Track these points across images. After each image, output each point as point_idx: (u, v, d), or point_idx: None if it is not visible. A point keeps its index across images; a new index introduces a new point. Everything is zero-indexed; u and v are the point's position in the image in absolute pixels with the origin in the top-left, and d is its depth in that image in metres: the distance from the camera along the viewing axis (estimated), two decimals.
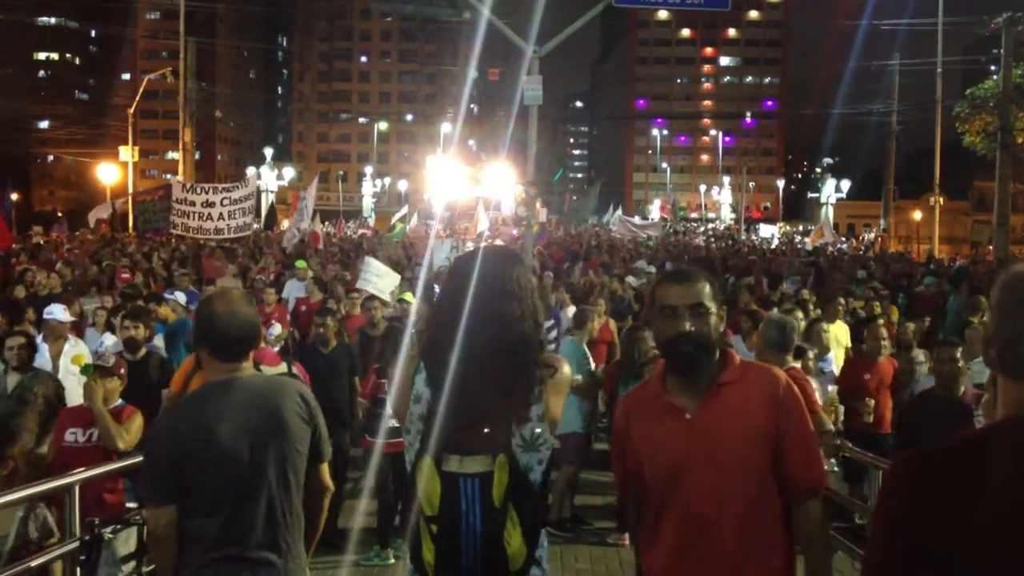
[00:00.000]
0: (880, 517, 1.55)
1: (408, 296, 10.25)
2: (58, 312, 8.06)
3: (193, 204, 18.91)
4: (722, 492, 2.69)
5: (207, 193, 19.23)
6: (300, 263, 15.14)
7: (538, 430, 2.70)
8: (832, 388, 8.22)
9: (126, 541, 4.78)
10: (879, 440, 7.49)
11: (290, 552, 3.19)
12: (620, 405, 3.07)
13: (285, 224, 32.09)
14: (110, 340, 8.78)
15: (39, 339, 7.73)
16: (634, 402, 2.98)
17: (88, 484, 4.81)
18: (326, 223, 37.78)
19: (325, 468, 3.40)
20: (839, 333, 9.87)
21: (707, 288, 2.83)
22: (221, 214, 18.84)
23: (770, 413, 2.73)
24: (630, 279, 15.74)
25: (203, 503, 3.08)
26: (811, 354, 7.60)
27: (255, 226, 21.66)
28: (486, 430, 2.64)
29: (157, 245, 22.28)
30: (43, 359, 7.43)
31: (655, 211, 79.90)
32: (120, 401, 5.71)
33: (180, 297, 10.58)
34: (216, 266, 15.74)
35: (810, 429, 2.82)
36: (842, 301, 10.68)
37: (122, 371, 5.74)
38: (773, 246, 39.98)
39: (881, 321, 9.22)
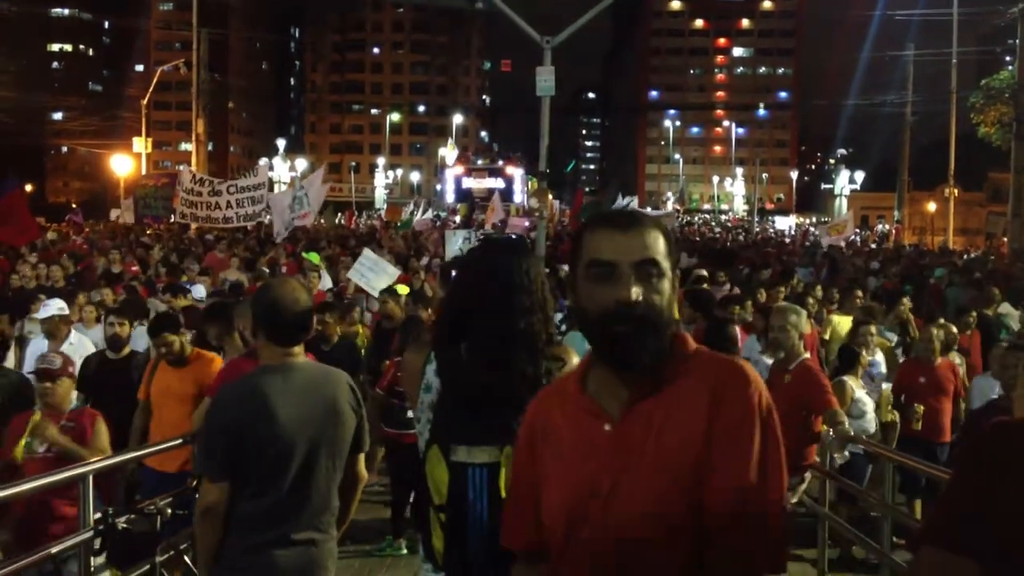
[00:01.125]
0: (966, 472, 1.56)
1: (402, 289, 9.79)
2: (40, 308, 7.68)
3: (200, 194, 18.90)
4: (638, 542, 1.76)
5: (213, 184, 19.21)
6: (312, 256, 15.02)
7: None
8: (886, 386, 7.82)
9: None
10: (935, 448, 7.08)
11: (328, 533, 3.33)
12: (527, 411, 2.08)
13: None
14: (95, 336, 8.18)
15: (40, 336, 7.52)
16: (544, 406, 2.03)
17: (39, 497, 4.55)
18: (339, 214, 37.74)
19: (362, 458, 3.51)
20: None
21: (660, 240, 1.87)
22: (229, 202, 18.77)
23: (710, 419, 1.78)
24: None
25: (255, 482, 3.16)
26: (867, 355, 7.32)
27: (268, 218, 21.54)
28: (494, 421, 2.64)
29: (162, 236, 22.26)
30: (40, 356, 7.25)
31: (670, 206, 79.35)
32: (75, 403, 5.21)
33: (200, 290, 10.48)
34: (219, 258, 15.66)
35: (752, 441, 1.76)
36: (859, 293, 10.62)
37: (71, 369, 5.18)
38: (788, 240, 39.82)
39: (941, 321, 8.78)
